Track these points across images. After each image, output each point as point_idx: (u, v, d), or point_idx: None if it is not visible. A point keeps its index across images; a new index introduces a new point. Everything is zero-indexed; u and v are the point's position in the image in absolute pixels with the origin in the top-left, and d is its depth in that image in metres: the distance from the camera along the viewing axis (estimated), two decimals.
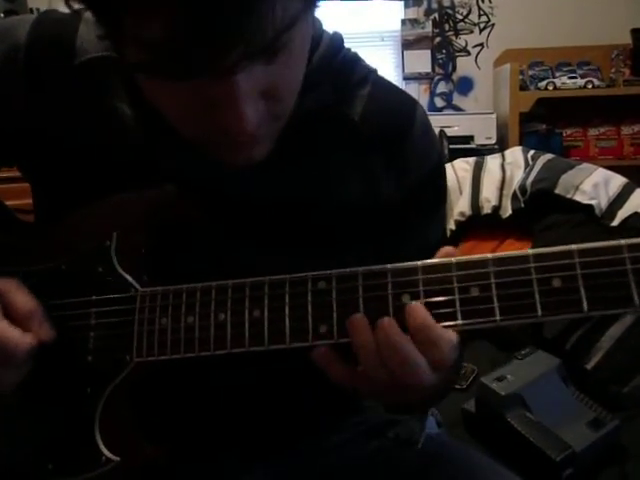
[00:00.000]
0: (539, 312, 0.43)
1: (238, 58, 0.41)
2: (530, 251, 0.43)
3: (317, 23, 0.61)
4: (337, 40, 0.62)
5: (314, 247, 0.49)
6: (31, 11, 2.56)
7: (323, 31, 0.62)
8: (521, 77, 2.92)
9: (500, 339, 1.97)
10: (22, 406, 0.59)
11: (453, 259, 0.46)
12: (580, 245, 0.43)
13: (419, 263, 0.46)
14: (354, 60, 0.64)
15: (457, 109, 3.32)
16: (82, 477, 0.54)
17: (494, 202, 1.96)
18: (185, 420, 0.63)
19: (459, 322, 0.44)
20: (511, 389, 1.42)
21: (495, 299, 0.44)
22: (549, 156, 2.02)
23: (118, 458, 0.53)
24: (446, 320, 0.45)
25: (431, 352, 0.45)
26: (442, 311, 0.45)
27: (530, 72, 3.06)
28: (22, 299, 0.54)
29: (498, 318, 0.43)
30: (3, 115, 0.61)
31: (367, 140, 0.61)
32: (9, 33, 0.60)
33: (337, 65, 0.61)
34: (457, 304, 0.45)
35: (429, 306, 0.45)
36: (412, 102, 0.65)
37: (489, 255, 0.45)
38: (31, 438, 0.57)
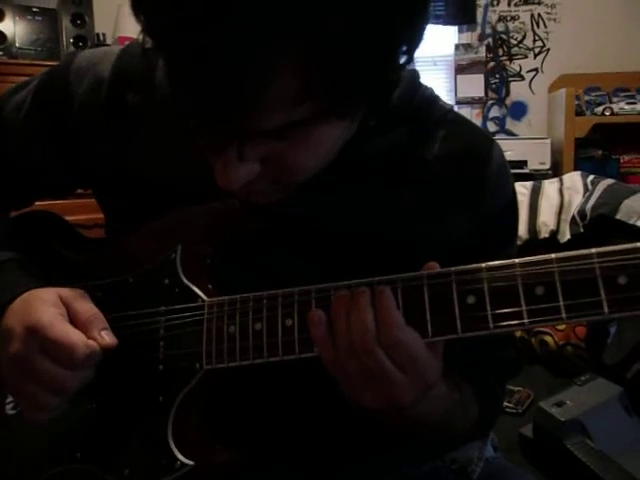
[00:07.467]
0: (605, 309, 0.42)
1: (232, 141, 0.46)
2: (594, 250, 0.43)
3: None
4: (415, 78, 0.62)
5: (374, 275, 0.50)
6: (98, 36, 2.69)
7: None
8: (577, 102, 2.91)
9: (556, 365, 1.94)
10: (99, 415, 0.62)
11: (517, 260, 0.46)
12: None
13: (483, 265, 0.46)
14: (432, 100, 0.64)
15: (510, 134, 3.32)
16: None
17: (552, 226, 1.95)
18: (255, 426, 0.64)
19: (525, 321, 0.44)
20: (571, 415, 1.40)
21: (560, 297, 0.43)
22: (610, 181, 1.99)
23: (192, 463, 0.55)
24: (512, 319, 0.45)
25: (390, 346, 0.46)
26: (507, 310, 0.45)
27: (586, 97, 3.04)
28: (84, 307, 0.57)
29: (564, 316, 0.43)
30: (81, 142, 0.65)
31: (440, 180, 0.62)
32: (95, 67, 0.64)
33: (415, 105, 0.61)
34: (522, 303, 0.44)
35: (494, 305, 0.45)
36: (489, 142, 0.64)
37: (552, 255, 0.44)
38: (108, 445, 0.60)
